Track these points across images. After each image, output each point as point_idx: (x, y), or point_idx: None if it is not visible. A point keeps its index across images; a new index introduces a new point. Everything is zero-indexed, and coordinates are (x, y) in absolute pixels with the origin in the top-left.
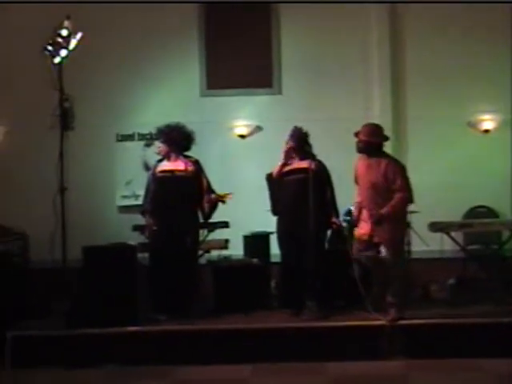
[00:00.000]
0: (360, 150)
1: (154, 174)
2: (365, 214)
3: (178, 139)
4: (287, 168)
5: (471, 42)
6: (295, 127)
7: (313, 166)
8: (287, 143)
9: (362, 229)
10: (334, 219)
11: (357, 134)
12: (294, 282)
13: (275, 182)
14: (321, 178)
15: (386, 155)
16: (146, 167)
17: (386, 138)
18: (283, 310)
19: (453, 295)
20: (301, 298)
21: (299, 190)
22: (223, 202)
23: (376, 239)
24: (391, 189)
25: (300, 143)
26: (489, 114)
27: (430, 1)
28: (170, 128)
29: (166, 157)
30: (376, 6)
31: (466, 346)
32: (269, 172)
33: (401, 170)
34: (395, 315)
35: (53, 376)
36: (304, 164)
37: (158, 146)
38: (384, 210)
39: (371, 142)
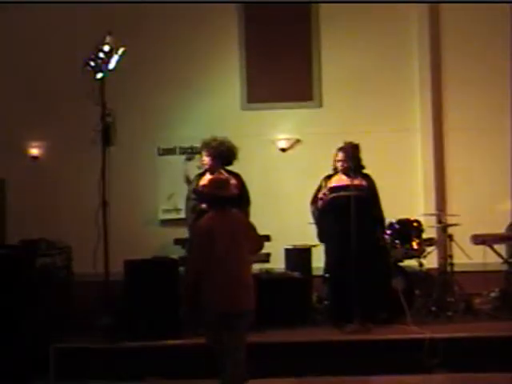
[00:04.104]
0: None
1: (195, 189)
2: None
3: (224, 154)
4: (338, 183)
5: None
6: (346, 142)
7: (364, 183)
8: (341, 160)
9: None
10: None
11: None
12: (341, 295)
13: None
14: (373, 193)
15: None
16: (188, 181)
17: None
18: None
19: (496, 308)
20: (347, 311)
21: (354, 206)
22: None
23: None
24: None
25: (354, 158)
26: None
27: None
28: (217, 142)
29: (208, 170)
30: (417, 19)
31: (508, 360)
32: (312, 197)
33: None
34: None
35: None
36: (356, 181)
37: (203, 158)
38: None
39: None
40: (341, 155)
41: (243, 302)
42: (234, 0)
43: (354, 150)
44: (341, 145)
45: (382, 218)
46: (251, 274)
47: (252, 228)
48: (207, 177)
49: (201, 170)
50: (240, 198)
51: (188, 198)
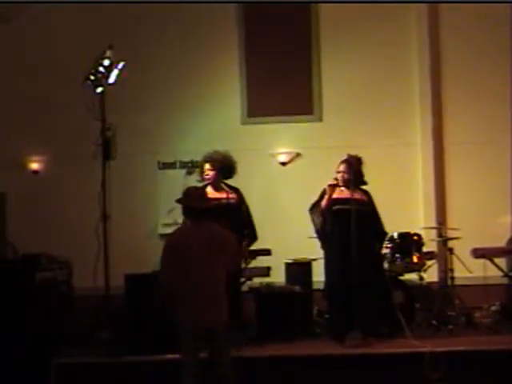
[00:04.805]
0: None
1: None
2: None
3: (227, 168)
4: (340, 196)
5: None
6: (350, 155)
7: (365, 198)
8: (343, 172)
9: None
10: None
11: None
12: (341, 309)
13: (323, 213)
14: (373, 208)
15: None
16: None
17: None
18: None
19: (496, 322)
20: (346, 325)
21: (355, 220)
22: None
23: None
24: None
25: (356, 172)
26: None
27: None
28: (221, 156)
29: (211, 184)
30: (417, 33)
31: (509, 374)
32: (312, 203)
33: None
34: None
35: None
36: (357, 195)
37: (207, 172)
38: None
39: None
40: (343, 167)
41: (216, 316)
42: (234, 0)
43: (356, 163)
44: (343, 158)
45: (383, 233)
46: (223, 288)
47: (230, 241)
48: (208, 190)
49: (201, 184)
50: (241, 213)
51: None
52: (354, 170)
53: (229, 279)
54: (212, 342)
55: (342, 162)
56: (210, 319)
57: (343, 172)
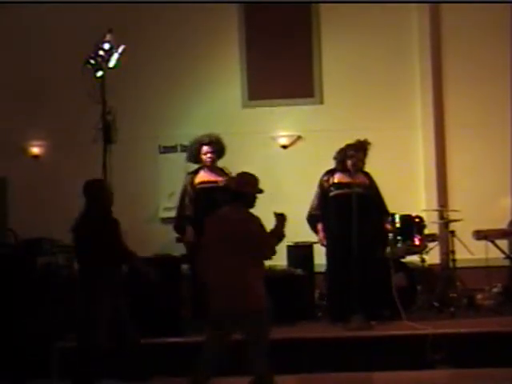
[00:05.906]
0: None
1: (193, 186)
2: None
3: (223, 150)
4: (341, 180)
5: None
6: (360, 140)
7: (367, 181)
8: (358, 159)
9: None
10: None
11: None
12: (342, 293)
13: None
14: (375, 191)
15: None
16: None
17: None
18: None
19: (498, 303)
20: (348, 309)
21: (356, 203)
22: None
23: None
24: None
25: (364, 156)
26: None
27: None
28: (217, 138)
29: (208, 167)
30: (418, 15)
31: (511, 355)
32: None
33: None
34: None
35: None
36: (358, 178)
37: (209, 155)
38: None
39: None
40: (357, 154)
41: (245, 304)
42: (234, 0)
43: (367, 148)
44: (346, 142)
45: (387, 214)
46: (257, 276)
47: (261, 231)
48: (203, 173)
49: (195, 167)
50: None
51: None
52: (363, 153)
53: None
54: (245, 328)
55: (355, 148)
56: (236, 307)
57: (360, 159)
